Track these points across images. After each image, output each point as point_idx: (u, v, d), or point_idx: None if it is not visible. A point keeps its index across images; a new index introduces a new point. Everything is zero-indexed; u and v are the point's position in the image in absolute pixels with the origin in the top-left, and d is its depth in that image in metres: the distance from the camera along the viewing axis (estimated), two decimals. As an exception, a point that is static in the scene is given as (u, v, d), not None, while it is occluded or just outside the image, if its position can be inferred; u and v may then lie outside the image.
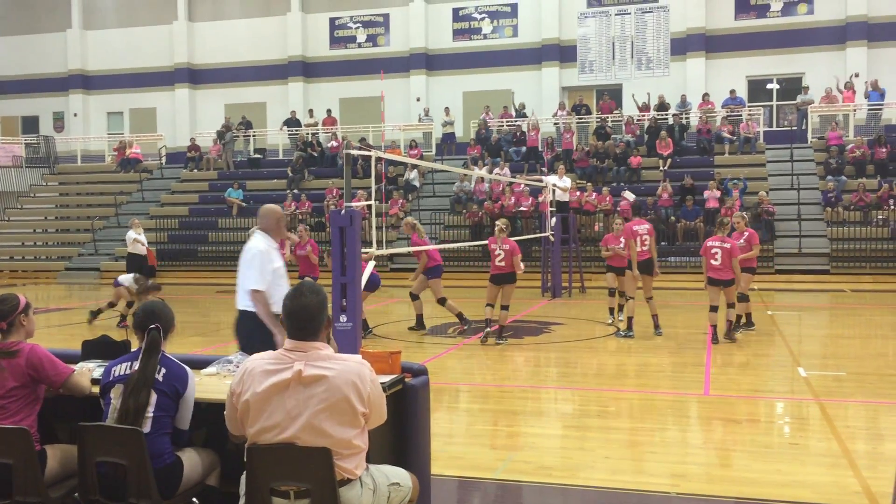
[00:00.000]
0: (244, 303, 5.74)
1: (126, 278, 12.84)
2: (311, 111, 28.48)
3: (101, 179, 28.91)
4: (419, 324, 12.30)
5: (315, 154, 26.51)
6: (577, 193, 20.70)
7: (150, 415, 3.51)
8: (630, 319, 11.59)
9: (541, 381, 9.27)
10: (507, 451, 6.19)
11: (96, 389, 3.75)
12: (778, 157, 22.85)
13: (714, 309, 10.82)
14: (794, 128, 24.17)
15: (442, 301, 12.00)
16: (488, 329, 11.03)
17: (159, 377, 3.57)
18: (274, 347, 5.97)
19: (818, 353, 10.92)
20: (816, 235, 19.97)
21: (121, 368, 3.63)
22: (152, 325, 3.65)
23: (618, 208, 20.35)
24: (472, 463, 5.79)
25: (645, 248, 11.44)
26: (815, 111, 23.67)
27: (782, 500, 4.97)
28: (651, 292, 11.55)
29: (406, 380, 3.91)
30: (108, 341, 4.42)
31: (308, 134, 27.45)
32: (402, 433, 3.88)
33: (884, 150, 21.31)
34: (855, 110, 23.36)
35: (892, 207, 19.70)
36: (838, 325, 13.94)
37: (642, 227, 11.63)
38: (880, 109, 23.25)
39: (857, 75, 23.56)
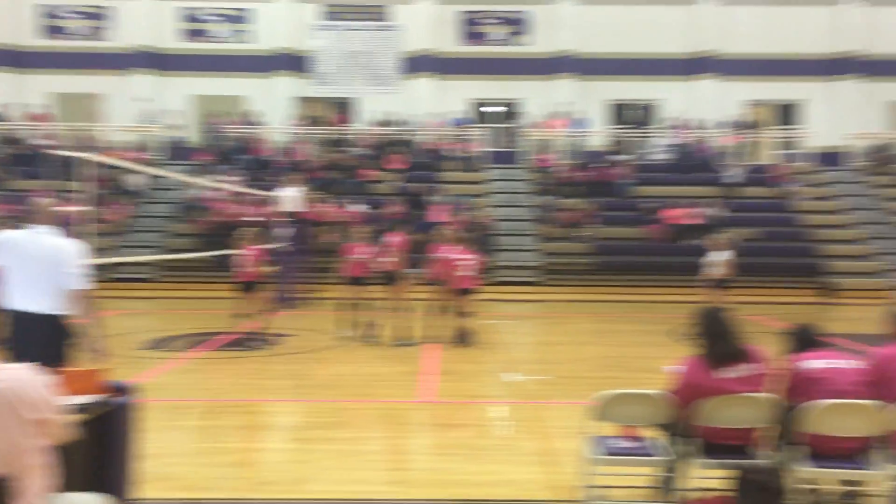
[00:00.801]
0: (53, 306, 5.24)
1: None
2: (5, 106, 25.61)
3: None
4: None
5: (24, 153, 24.00)
6: (310, 204, 20.66)
7: None
8: (373, 326, 11.87)
9: (268, 394, 9.09)
10: (227, 468, 5.99)
11: None
12: (497, 176, 24.50)
13: (449, 312, 11.46)
14: (512, 149, 26.05)
15: None
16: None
17: None
18: (65, 354, 5.41)
19: (530, 358, 11.82)
20: (530, 250, 21.64)
21: None
22: None
23: (349, 219, 20.62)
24: (190, 483, 5.54)
25: (388, 260, 11.89)
26: (529, 135, 25.70)
27: (492, 499, 5.30)
28: (403, 303, 11.91)
29: (109, 399, 3.65)
30: None
31: (16, 130, 24.77)
32: (104, 457, 3.61)
33: (587, 173, 23.64)
34: (563, 137, 25.64)
35: (595, 224, 21.88)
36: (548, 332, 15.19)
37: (395, 239, 12.18)
38: (585, 136, 25.78)
39: (567, 104, 25.89)
